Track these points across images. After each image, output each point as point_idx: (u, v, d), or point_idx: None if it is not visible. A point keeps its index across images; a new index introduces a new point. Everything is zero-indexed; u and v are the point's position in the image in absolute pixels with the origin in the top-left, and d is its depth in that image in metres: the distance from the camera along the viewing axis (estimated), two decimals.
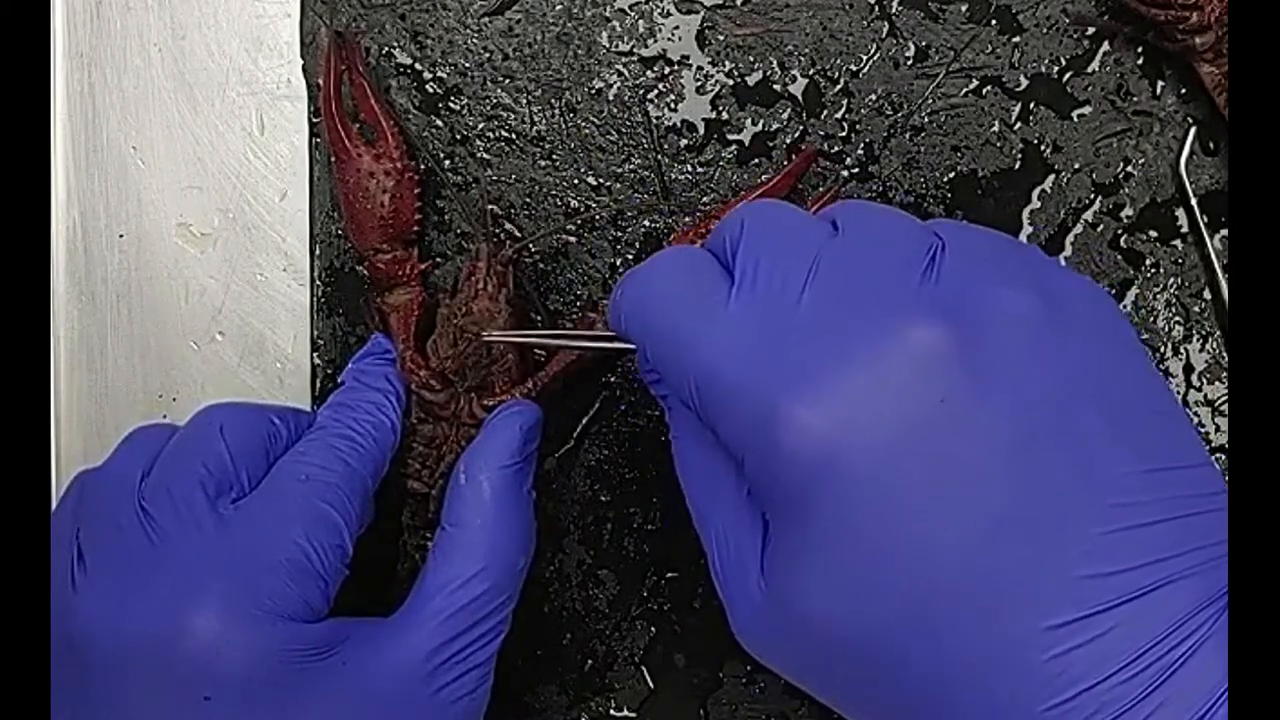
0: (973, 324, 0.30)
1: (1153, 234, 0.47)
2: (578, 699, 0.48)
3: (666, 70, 0.47)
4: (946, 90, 0.46)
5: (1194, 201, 0.46)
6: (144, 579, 0.37)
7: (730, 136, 0.47)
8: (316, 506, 0.39)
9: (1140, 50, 0.46)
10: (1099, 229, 0.46)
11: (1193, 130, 0.46)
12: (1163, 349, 0.47)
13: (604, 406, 0.47)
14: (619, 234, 0.47)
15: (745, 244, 0.34)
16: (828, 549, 0.30)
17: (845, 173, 0.46)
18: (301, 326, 0.48)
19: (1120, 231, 0.47)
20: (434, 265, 0.47)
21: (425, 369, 0.44)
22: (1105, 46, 0.46)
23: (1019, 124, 0.46)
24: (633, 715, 0.48)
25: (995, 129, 0.46)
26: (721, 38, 0.46)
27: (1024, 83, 0.46)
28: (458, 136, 0.47)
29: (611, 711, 0.48)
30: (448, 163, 0.47)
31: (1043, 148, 0.46)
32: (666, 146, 0.47)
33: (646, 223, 0.47)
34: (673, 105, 0.47)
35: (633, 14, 0.47)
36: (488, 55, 0.47)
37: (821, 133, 0.46)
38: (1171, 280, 0.46)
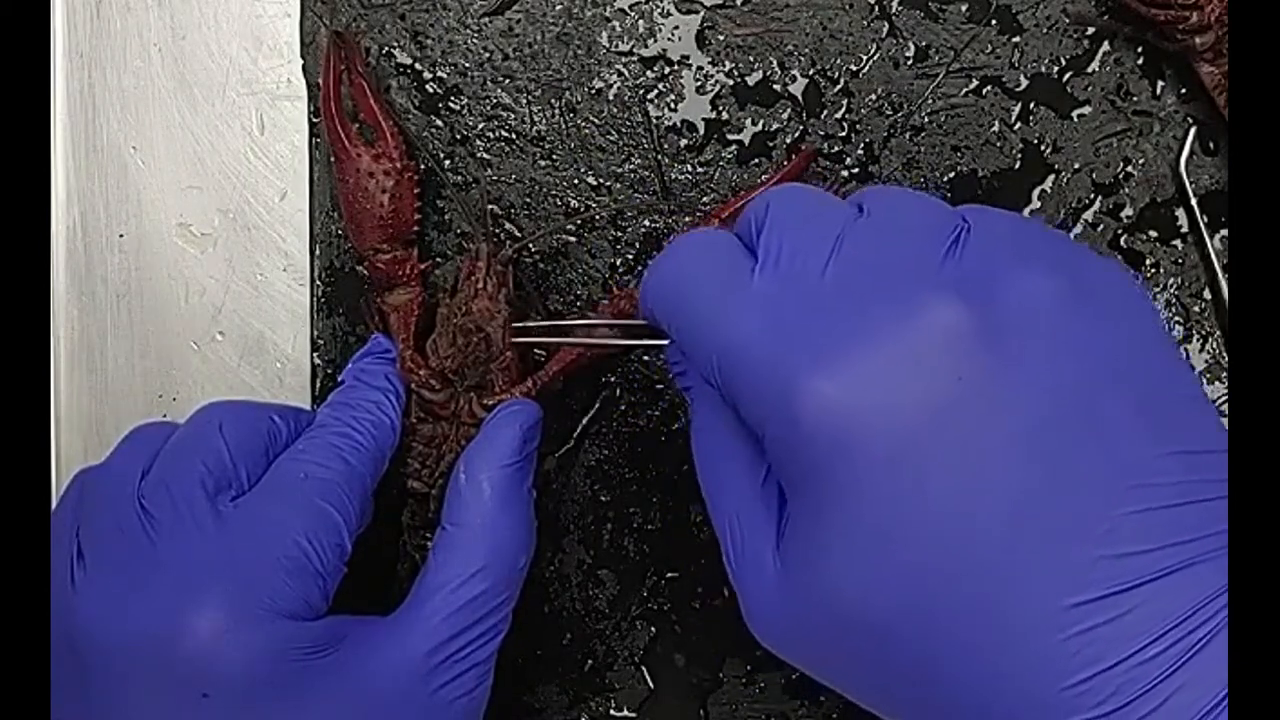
0: (996, 304, 0.30)
1: (1153, 234, 0.47)
2: (578, 699, 0.48)
3: (666, 70, 0.47)
4: (946, 90, 0.46)
5: (1194, 201, 0.46)
6: (144, 578, 0.37)
7: (730, 136, 0.47)
8: (316, 505, 0.39)
9: (1140, 50, 0.46)
10: (1099, 229, 0.46)
11: (1193, 130, 0.46)
12: None
13: (604, 406, 0.47)
14: (619, 234, 0.47)
15: (770, 224, 0.34)
16: (846, 525, 0.30)
17: (845, 173, 0.46)
18: (301, 326, 0.48)
19: (1120, 231, 0.47)
20: (434, 265, 0.47)
21: (425, 368, 0.44)
22: (1105, 46, 0.46)
23: (1019, 124, 0.46)
24: (633, 715, 0.48)
25: (995, 129, 0.46)
26: (721, 38, 0.46)
27: (1024, 83, 0.46)
28: (458, 136, 0.47)
29: (611, 711, 0.48)
30: (448, 163, 0.47)
31: (1043, 148, 0.46)
32: (666, 146, 0.47)
33: (646, 223, 0.47)
34: (673, 105, 0.47)
35: (633, 14, 0.47)
36: (488, 55, 0.47)
37: (821, 133, 0.46)
38: (1171, 280, 0.46)
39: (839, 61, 0.46)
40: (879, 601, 0.30)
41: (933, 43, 0.46)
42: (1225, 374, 0.46)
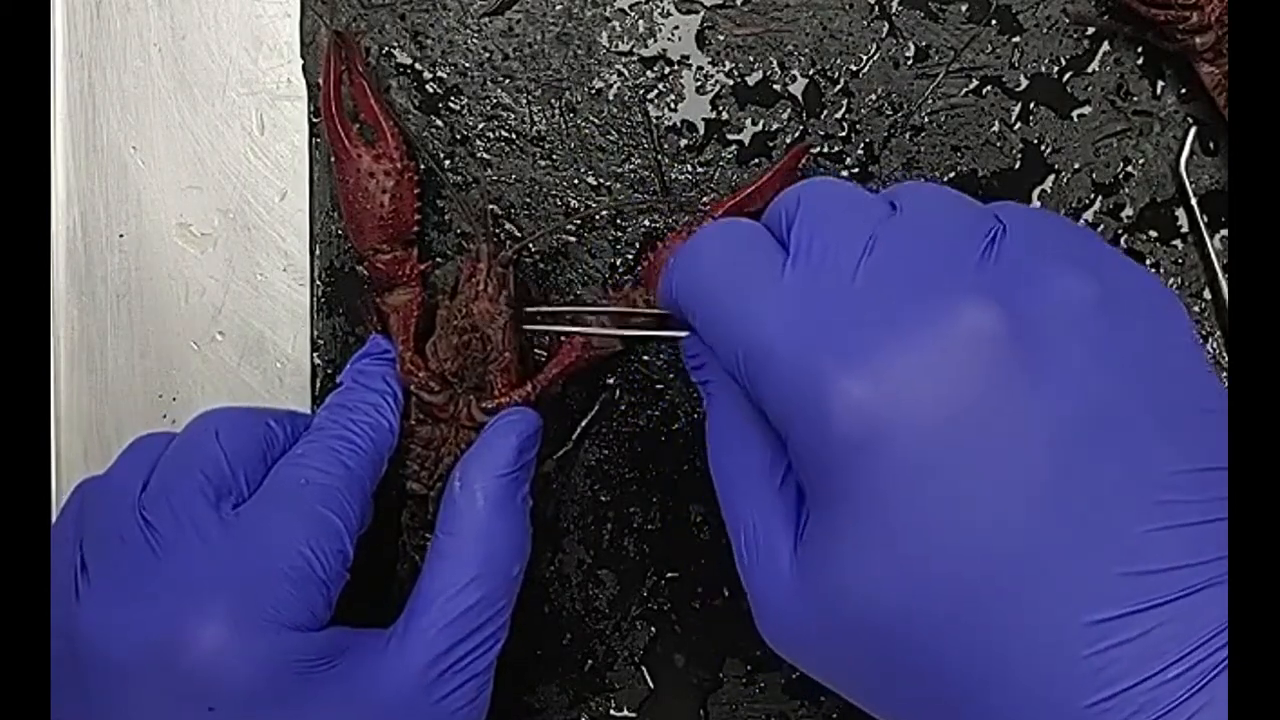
0: (1029, 310, 0.30)
1: (1153, 234, 0.47)
2: (578, 699, 0.48)
3: (666, 70, 0.47)
4: (946, 90, 0.46)
5: (1194, 201, 0.46)
6: (147, 589, 0.37)
7: (730, 136, 0.47)
8: (317, 512, 0.39)
9: (1140, 50, 0.46)
10: (1099, 229, 0.46)
11: (1193, 130, 0.46)
12: None
13: (604, 407, 0.47)
14: (619, 234, 0.47)
15: (802, 218, 0.34)
16: (868, 528, 0.30)
17: (845, 173, 0.46)
18: (301, 326, 0.48)
19: (1120, 231, 0.46)
20: (434, 265, 0.47)
21: (424, 370, 0.44)
22: (1105, 46, 0.46)
23: (1019, 124, 0.46)
24: (633, 715, 0.48)
25: (995, 129, 0.46)
26: (721, 38, 0.46)
27: (1024, 83, 0.46)
28: (458, 136, 0.47)
29: (611, 711, 0.48)
30: (448, 163, 0.47)
31: (1043, 148, 0.46)
32: (666, 146, 0.47)
33: (646, 223, 0.47)
34: (673, 105, 0.47)
35: (633, 14, 0.47)
36: (488, 55, 0.47)
37: (821, 133, 0.46)
38: (1171, 280, 0.46)
39: (839, 61, 0.46)
40: (899, 607, 0.30)
41: (933, 43, 0.46)
42: (1225, 374, 0.46)
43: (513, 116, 0.47)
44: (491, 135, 0.47)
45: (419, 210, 0.45)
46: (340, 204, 0.45)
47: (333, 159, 0.45)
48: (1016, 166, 0.46)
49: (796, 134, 0.46)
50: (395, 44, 0.47)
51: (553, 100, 0.47)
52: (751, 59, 0.46)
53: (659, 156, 0.47)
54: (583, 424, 0.47)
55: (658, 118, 0.47)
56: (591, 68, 0.47)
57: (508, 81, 0.47)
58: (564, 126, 0.47)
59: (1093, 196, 0.46)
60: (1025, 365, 0.29)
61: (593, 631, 0.48)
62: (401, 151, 0.45)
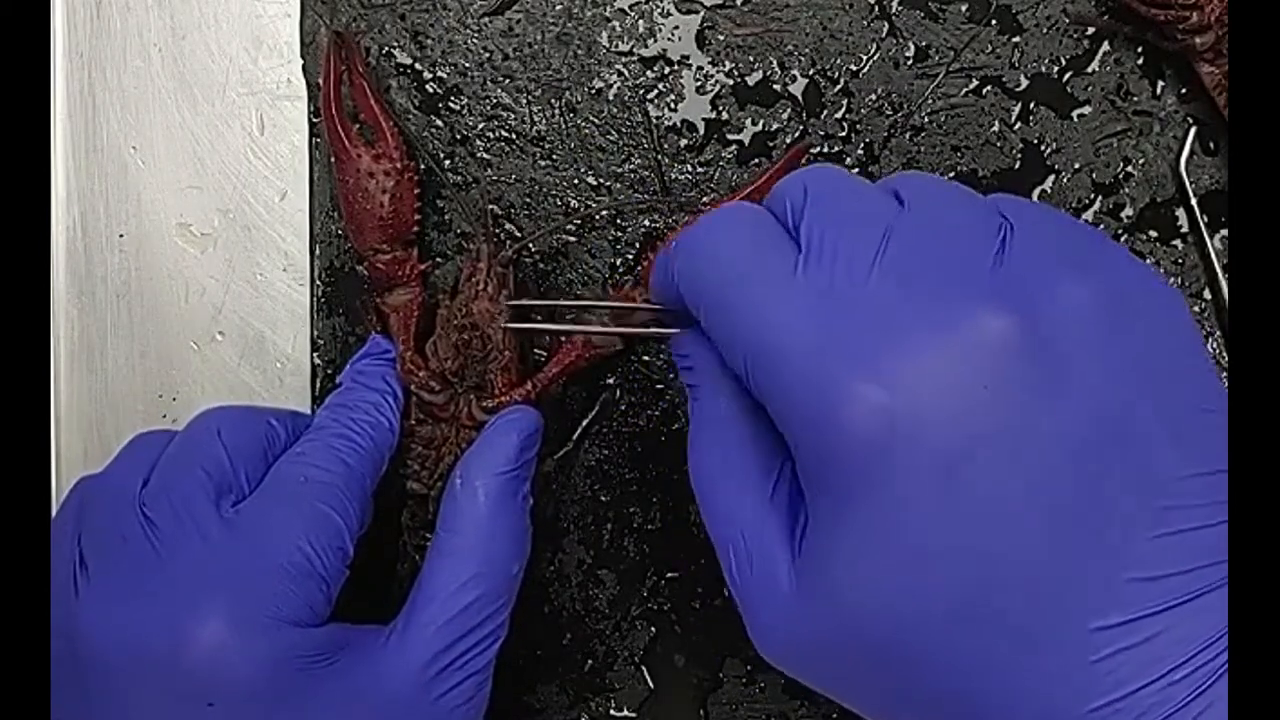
0: (1041, 315, 0.30)
1: (1153, 234, 0.47)
2: (578, 699, 0.48)
3: (666, 70, 0.47)
4: (946, 90, 0.46)
5: (1194, 201, 0.46)
6: (148, 586, 0.37)
7: (730, 136, 0.47)
8: (317, 509, 0.39)
9: (1140, 50, 0.46)
10: (1099, 229, 0.46)
11: (1193, 130, 0.46)
12: None
13: (604, 407, 0.47)
14: (619, 234, 0.47)
15: (811, 211, 0.33)
16: (876, 534, 0.30)
17: None
18: (301, 326, 0.48)
19: (1120, 231, 0.46)
20: (434, 265, 0.47)
21: (425, 370, 0.44)
22: (1105, 46, 0.46)
23: (1019, 124, 0.46)
24: (633, 715, 0.48)
25: (995, 129, 0.46)
26: (721, 38, 0.46)
27: (1024, 83, 0.46)
28: (458, 136, 0.47)
29: (611, 711, 0.48)
30: (448, 163, 0.47)
31: (1043, 148, 0.46)
32: (666, 146, 0.47)
33: (646, 222, 0.47)
34: (673, 105, 0.47)
35: (633, 14, 0.47)
36: (488, 55, 0.47)
37: (821, 133, 0.46)
38: (1171, 280, 0.46)
39: (839, 61, 0.46)
40: (905, 616, 0.30)
41: (933, 43, 0.46)
42: (1225, 374, 0.46)
43: (513, 116, 0.47)
44: (491, 135, 0.47)
45: (419, 210, 0.45)
46: (340, 204, 0.45)
47: (333, 159, 0.45)
48: (1016, 166, 0.46)
49: (796, 134, 0.46)
50: (395, 44, 0.47)
51: (553, 100, 0.47)
52: (751, 59, 0.46)
53: (659, 156, 0.47)
54: (583, 424, 0.47)
55: (658, 118, 0.47)
56: (591, 68, 0.47)
57: (508, 81, 0.47)
58: (564, 126, 0.47)
59: (1093, 196, 0.46)
60: (1037, 372, 0.29)
61: (593, 631, 0.48)
62: (401, 151, 0.45)
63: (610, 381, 0.47)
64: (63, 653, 0.37)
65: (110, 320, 0.49)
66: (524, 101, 0.47)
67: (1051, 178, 0.46)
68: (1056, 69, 0.46)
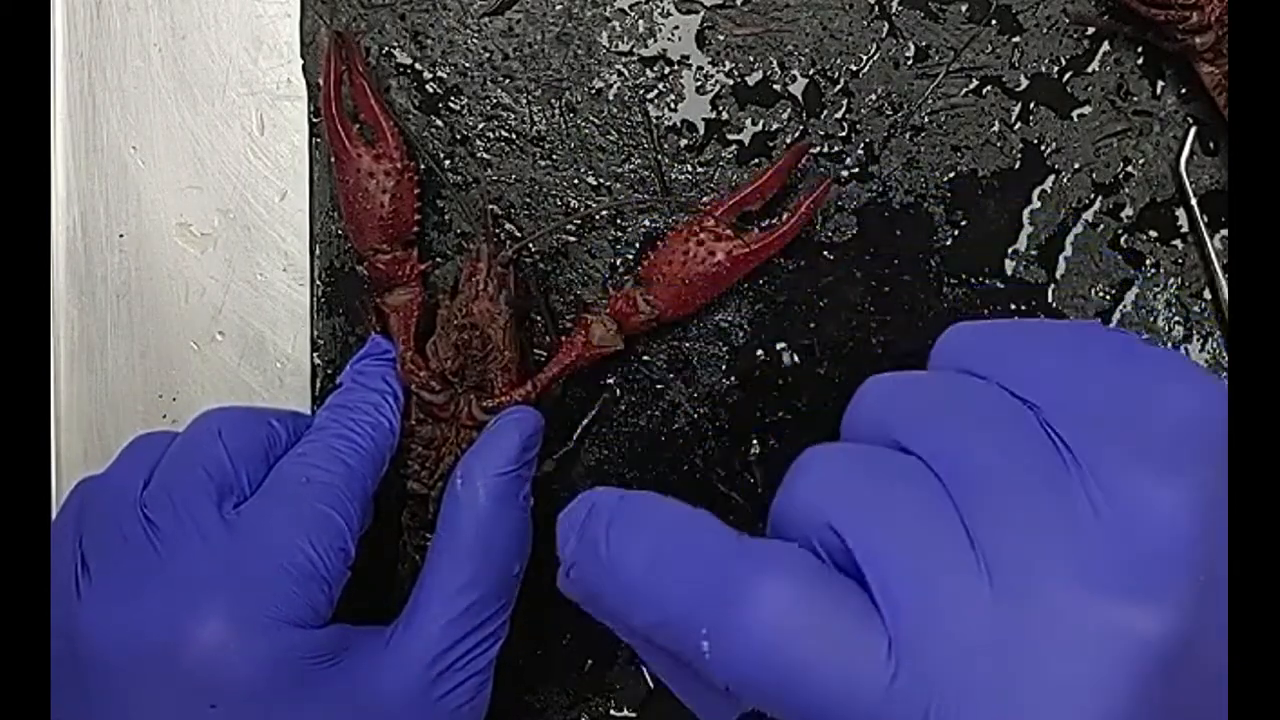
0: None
1: (1153, 234, 0.47)
2: (578, 699, 0.48)
3: (666, 70, 0.47)
4: (946, 90, 0.46)
5: (1194, 201, 0.46)
6: (149, 587, 0.37)
7: (730, 136, 0.47)
8: (318, 509, 0.39)
9: (1140, 50, 0.46)
10: (1099, 229, 0.46)
11: (1193, 130, 0.46)
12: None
13: (604, 407, 0.47)
14: (619, 234, 0.47)
15: (887, 572, 0.26)
16: None
17: (845, 173, 0.46)
18: (301, 326, 0.48)
19: (1120, 231, 0.47)
20: (434, 265, 0.47)
21: (425, 370, 0.44)
22: (1105, 46, 0.46)
23: (1019, 124, 0.46)
24: (633, 715, 0.48)
25: (995, 129, 0.46)
26: (721, 38, 0.46)
27: (1024, 83, 0.46)
28: (458, 136, 0.47)
29: (611, 711, 0.48)
30: (448, 163, 0.47)
31: (1043, 148, 0.46)
32: (666, 146, 0.47)
33: (646, 222, 0.47)
34: (673, 105, 0.47)
35: (633, 14, 0.47)
36: (488, 55, 0.47)
37: (821, 133, 0.46)
38: (1171, 280, 0.46)
39: (839, 61, 0.46)
40: None
41: (933, 43, 0.46)
42: (1225, 374, 0.46)
43: (513, 116, 0.47)
44: (491, 135, 0.47)
45: (419, 210, 0.45)
46: (340, 204, 0.45)
47: (333, 159, 0.45)
48: (1016, 166, 0.46)
49: (796, 134, 0.46)
50: (395, 44, 0.47)
51: (553, 100, 0.47)
52: (751, 59, 0.46)
53: (659, 156, 0.47)
54: (583, 424, 0.47)
55: (658, 118, 0.47)
56: (591, 68, 0.47)
57: (508, 81, 0.47)
58: (564, 126, 0.47)
59: (1093, 196, 0.46)
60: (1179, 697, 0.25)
61: (593, 631, 0.48)
62: (401, 151, 0.45)
63: (610, 381, 0.47)
64: (63, 653, 0.37)
65: (110, 320, 0.49)
66: (524, 101, 0.47)
67: (1051, 178, 0.46)
68: (1056, 69, 0.46)
